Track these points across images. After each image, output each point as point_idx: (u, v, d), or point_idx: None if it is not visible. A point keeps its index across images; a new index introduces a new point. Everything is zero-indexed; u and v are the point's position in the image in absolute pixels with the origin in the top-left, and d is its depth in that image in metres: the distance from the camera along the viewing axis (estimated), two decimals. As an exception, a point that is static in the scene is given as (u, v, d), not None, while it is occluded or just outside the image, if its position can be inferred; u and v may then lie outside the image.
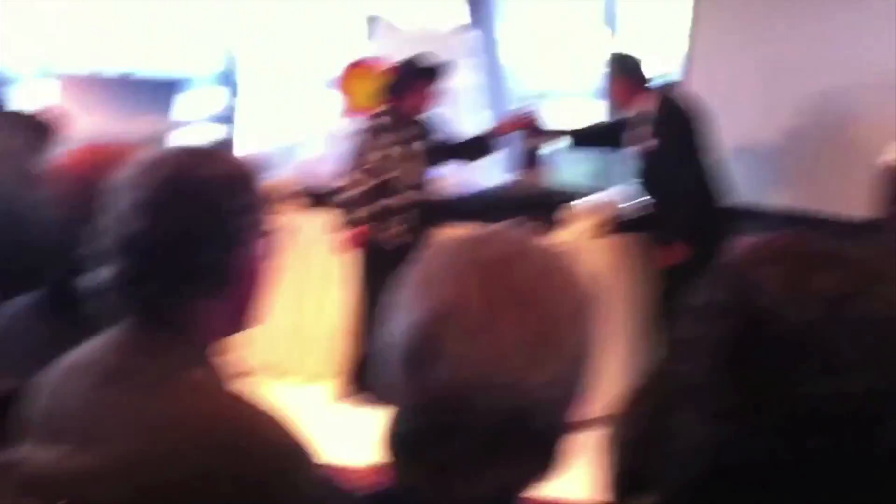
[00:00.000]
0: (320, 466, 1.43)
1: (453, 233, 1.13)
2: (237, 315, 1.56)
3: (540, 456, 1.05)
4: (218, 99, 7.13)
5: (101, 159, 1.82)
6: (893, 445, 0.76)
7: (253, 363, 5.55)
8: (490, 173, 6.09)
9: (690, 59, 5.70)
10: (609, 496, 0.90)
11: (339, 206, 5.22)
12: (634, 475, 0.87)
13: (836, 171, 5.01)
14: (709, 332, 0.81)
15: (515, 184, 5.60)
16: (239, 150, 5.97)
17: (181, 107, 6.49)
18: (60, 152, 1.96)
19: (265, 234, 1.56)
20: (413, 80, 5.11)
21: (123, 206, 1.46)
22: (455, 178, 5.76)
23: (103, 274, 1.46)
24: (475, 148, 5.37)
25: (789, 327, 0.78)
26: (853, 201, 4.66)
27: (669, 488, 0.83)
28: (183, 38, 7.23)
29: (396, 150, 5.10)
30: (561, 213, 5.16)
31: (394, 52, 5.66)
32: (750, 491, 0.79)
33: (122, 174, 1.49)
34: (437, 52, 5.45)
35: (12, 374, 1.70)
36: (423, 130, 5.19)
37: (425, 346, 1.02)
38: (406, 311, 1.05)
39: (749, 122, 5.38)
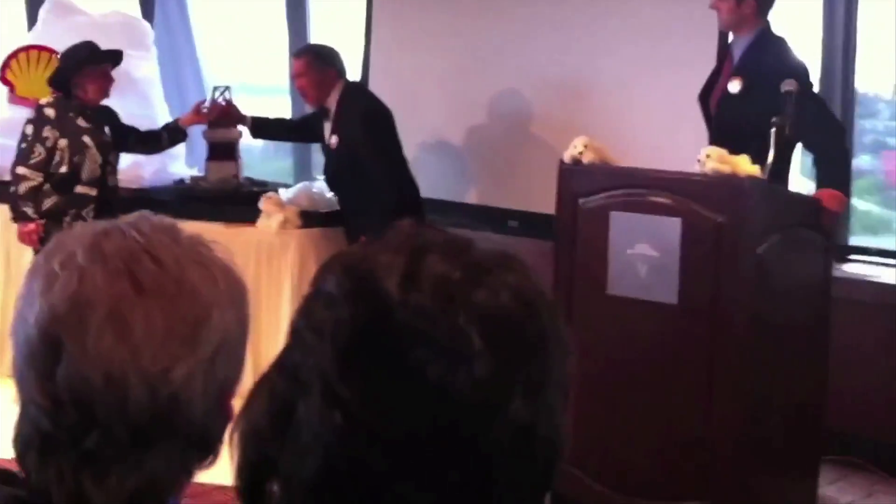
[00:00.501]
0: None
1: (84, 226, 1.04)
2: None
3: (198, 443, 1.03)
4: None
5: None
6: (508, 431, 0.79)
7: None
8: (180, 165, 5.87)
9: (369, 56, 5.71)
10: (237, 483, 0.89)
11: (9, 201, 4.87)
12: (257, 466, 0.86)
13: (522, 167, 5.18)
14: (329, 319, 0.81)
15: (207, 176, 5.40)
16: None
17: None
18: None
19: None
20: (82, 67, 4.80)
21: None
22: (143, 169, 5.50)
23: None
24: (160, 138, 5.15)
25: (404, 313, 0.79)
26: (536, 197, 4.87)
27: (292, 480, 0.83)
28: None
29: (65, 142, 4.80)
30: (254, 206, 5.04)
31: (62, 39, 5.32)
32: (365, 480, 0.80)
33: None
34: (114, 40, 5.18)
35: None
36: (97, 121, 4.90)
37: (47, 345, 0.98)
38: (28, 307, 1.01)
39: (439, 119, 5.47)
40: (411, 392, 0.78)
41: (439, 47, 5.46)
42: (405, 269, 0.81)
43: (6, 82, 5.73)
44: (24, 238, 4.82)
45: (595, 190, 3.65)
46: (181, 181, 5.58)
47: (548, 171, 4.04)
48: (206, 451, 1.04)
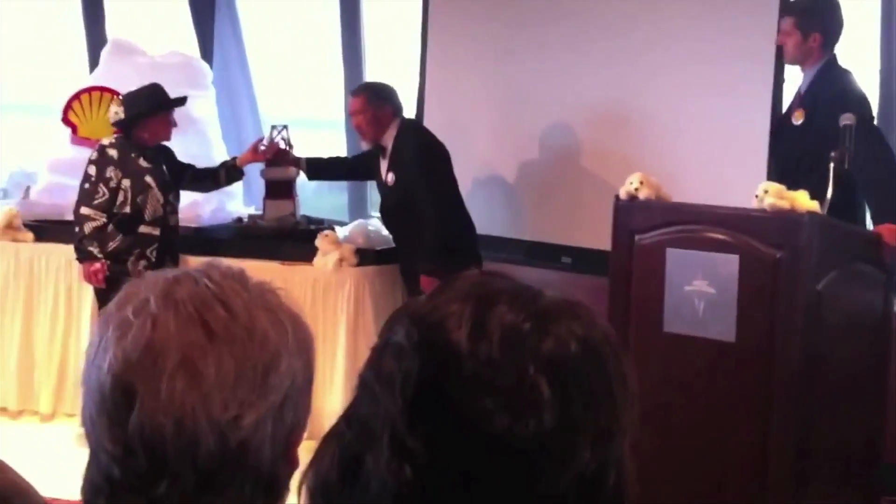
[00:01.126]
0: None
1: (156, 274, 1.06)
2: None
3: (259, 492, 1.02)
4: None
5: None
6: (577, 481, 0.78)
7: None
8: (237, 203, 5.94)
9: (423, 92, 5.75)
10: None
11: (74, 241, 4.96)
12: None
13: (576, 202, 5.18)
14: (397, 370, 0.81)
15: (264, 214, 5.47)
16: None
17: None
18: None
19: None
20: (148, 108, 4.91)
21: None
22: (200, 209, 5.58)
23: None
24: (219, 177, 5.23)
25: (472, 364, 0.78)
26: (591, 232, 4.86)
27: None
28: None
29: (128, 183, 4.89)
30: (310, 244, 5.08)
31: (123, 79, 5.44)
32: None
33: None
34: (173, 81, 5.29)
35: None
36: (157, 160, 4.99)
37: (120, 391, 0.98)
38: (101, 354, 1.01)
39: (490, 155, 5.49)
40: (479, 443, 0.77)
41: (491, 83, 5.49)
42: (473, 319, 0.80)
43: (68, 123, 5.85)
44: (90, 277, 4.90)
45: (651, 226, 3.64)
46: (239, 220, 5.65)
47: (601, 206, 4.03)
48: (272, 499, 1.04)
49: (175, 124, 5.01)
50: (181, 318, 1.00)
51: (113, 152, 4.92)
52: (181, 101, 5.02)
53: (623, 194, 3.73)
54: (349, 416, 0.85)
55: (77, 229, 4.92)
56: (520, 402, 0.77)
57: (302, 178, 5.52)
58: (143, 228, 4.91)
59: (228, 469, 0.99)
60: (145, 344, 0.98)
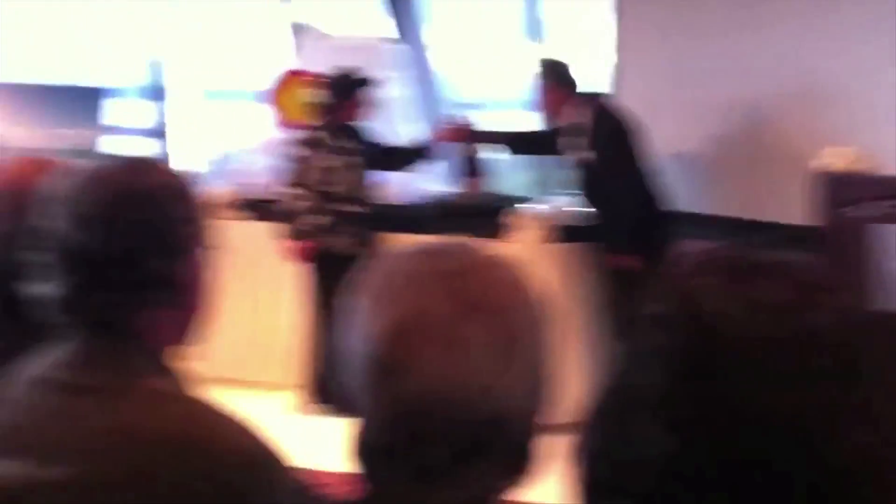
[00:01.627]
0: (292, 472, 1.42)
1: (402, 244, 1.12)
2: (187, 323, 1.54)
3: (513, 461, 1.05)
4: (145, 110, 7.05)
5: (31, 171, 1.80)
6: (844, 458, 0.76)
7: (208, 374, 5.52)
8: (431, 182, 6.09)
9: (619, 70, 5.74)
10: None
11: (281, 218, 5.20)
12: (602, 485, 0.86)
13: (767, 177, 5.09)
14: (660, 343, 0.81)
15: (457, 192, 5.60)
16: (170, 162, 5.89)
17: (108, 116, 6.39)
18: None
19: (207, 242, 1.55)
20: (347, 91, 5.11)
21: (65, 218, 1.43)
22: (396, 187, 5.75)
23: (48, 287, 1.43)
24: (412, 156, 5.39)
25: (736, 338, 0.77)
26: (785, 207, 4.77)
27: (632, 499, 0.82)
28: (109, 48, 7.13)
29: (336, 162, 5.09)
30: (504, 222, 5.15)
31: (322, 63, 5.65)
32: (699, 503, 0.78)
33: (59, 186, 1.46)
34: (365, 63, 5.47)
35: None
36: (360, 141, 5.19)
37: (391, 358, 1.02)
38: (366, 321, 1.04)
39: (680, 131, 5.45)
40: (749, 419, 0.76)
41: (682, 58, 5.43)
42: (735, 293, 0.79)
43: (274, 107, 6.12)
44: (296, 256, 5.12)
45: (854, 200, 3.57)
46: (434, 197, 5.78)
47: (793, 180, 3.96)
48: (522, 469, 1.06)
49: (372, 104, 5.20)
50: (438, 290, 1.03)
51: (316, 134, 5.13)
52: (375, 82, 5.21)
53: (823, 167, 3.67)
54: (614, 388, 0.86)
55: (284, 208, 5.16)
56: (784, 378, 0.76)
57: (492, 154, 5.60)
58: (346, 207, 5.10)
59: (486, 439, 1.01)
60: (405, 314, 1.02)
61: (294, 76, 6.10)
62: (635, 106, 5.09)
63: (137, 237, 1.43)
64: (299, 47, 6.45)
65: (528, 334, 1.05)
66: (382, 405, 1.02)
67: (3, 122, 6.19)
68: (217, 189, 5.83)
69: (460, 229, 5.23)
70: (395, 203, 5.66)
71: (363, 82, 5.16)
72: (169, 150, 7.05)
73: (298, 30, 6.60)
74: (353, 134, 5.20)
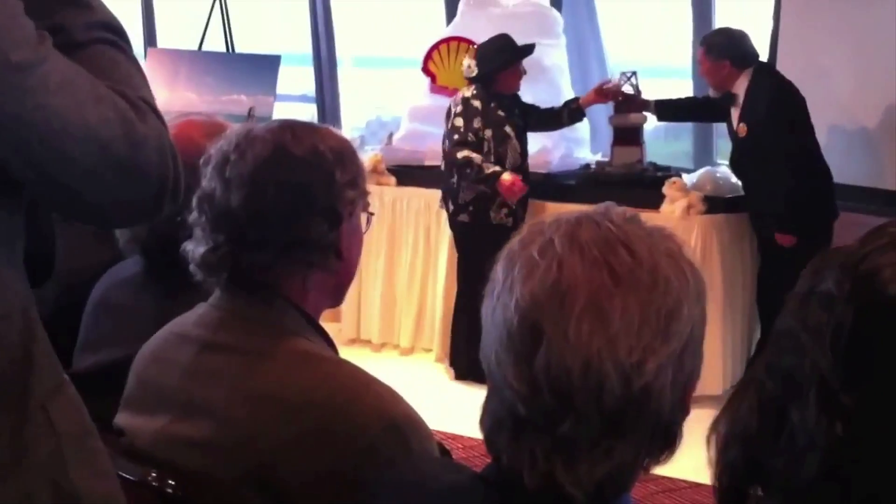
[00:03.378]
0: (432, 438, 1.44)
1: (551, 213, 1.08)
2: (339, 288, 1.58)
3: (661, 439, 1.02)
4: (309, 77, 7.20)
5: (198, 132, 1.84)
6: None
7: (355, 336, 5.68)
8: (585, 150, 6.05)
9: (777, 37, 5.57)
10: (717, 485, 0.87)
11: (439, 185, 5.26)
12: (744, 469, 0.83)
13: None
14: (828, 321, 0.76)
15: (610, 161, 5.54)
16: (332, 127, 5.98)
17: (277, 83, 6.55)
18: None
19: (365, 208, 1.57)
20: (499, 62, 5.09)
21: (229, 178, 1.47)
22: (551, 155, 5.72)
23: (207, 244, 1.48)
24: (560, 117, 5.36)
25: None
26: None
27: (785, 485, 0.79)
28: (276, 16, 7.30)
29: (490, 133, 5.10)
30: (658, 190, 5.09)
31: (480, 29, 5.65)
32: (864, 487, 0.75)
33: (223, 147, 1.50)
34: (523, 30, 5.44)
35: (120, 344, 1.74)
36: (511, 108, 5.18)
37: (528, 330, 0.99)
38: (507, 293, 1.02)
39: (842, 102, 5.25)
40: None
41: (849, 24, 5.21)
42: None
43: (428, 73, 6.15)
44: (510, 191, 5.03)
45: None
46: (587, 166, 5.73)
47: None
48: (667, 445, 1.03)
49: (524, 72, 5.17)
50: (587, 260, 1.00)
51: (476, 103, 5.11)
52: (529, 49, 5.16)
53: None
54: (771, 366, 0.83)
55: (463, 171, 5.07)
56: None
57: (649, 124, 5.53)
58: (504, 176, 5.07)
59: (632, 413, 0.98)
60: (552, 284, 0.99)
61: (449, 42, 6.12)
62: (799, 73, 4.92)
63: (289, 199, 1.45)
64: (457, 13, 6.45)
65: (678, 310, 1.00)
66: (518, 379, 1.00)
67: (181, 89, 6.42)
68: (374, 153, 5.92)
69: (613, 198, 5.16)
70: (546, 171, 5.64)
71: (515, 51, 5.12)
72: (329, 114, 7.18)
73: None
74: (508, 103, 5.18)
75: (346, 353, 1.53)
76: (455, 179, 5.15)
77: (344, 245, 1.52)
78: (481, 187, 5.07)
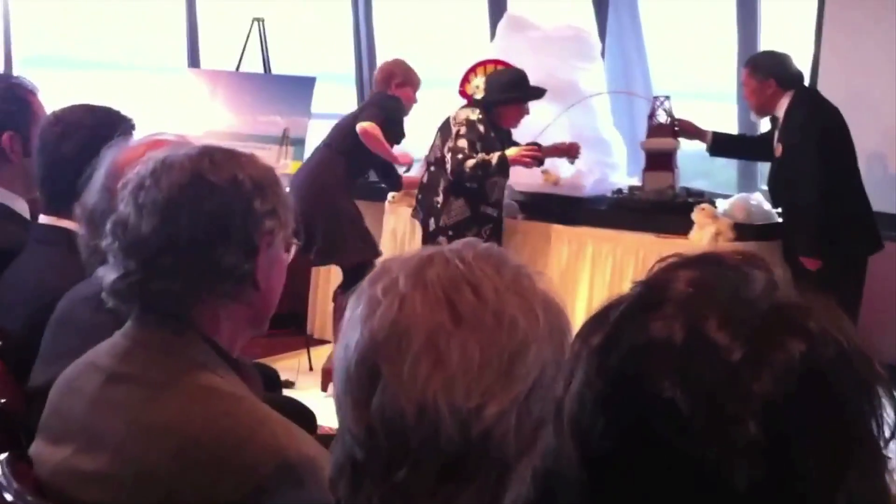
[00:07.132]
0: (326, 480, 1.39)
1: (571, 236, 1.02)
2: (257, 318, 1.54)
3: (504, 487, 0.93)
4: (350, 97, 7.21)
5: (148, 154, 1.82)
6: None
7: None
8: (621, 175, 5.96)
9: (818, 59, 5.44)
10: None
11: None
12: None
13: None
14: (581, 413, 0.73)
15: (642, 186, 5.45)
16: (256, 155, 5.92)
17: (311, 104, 6.57)
18: (124, 145, 1.98)
19: (286, 239, 1.53)
20: (502, 98, 5.05)
21: (142, 204, 1.45)
22: (585, 179, 5.65)
23: (118, 270, 1.46)
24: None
25: (672, 409, 0.67)
26: None
27: None
28: (315, 38, 7.33)
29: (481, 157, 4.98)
30: (688, 216, 4.99)
31: (516, 53, 5.59)
32: None
33: (141, 171, 1.48)
34: (558, 53, 5.38)
35: (67, 360, 1.71)
36: (507, 145, 5.11)
37: (365, 371, 0.96)
38: (349, 332, 0.99)
39: (884, 128, 5.10)
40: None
41: (893, 47, 5.08)
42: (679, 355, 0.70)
43: (464, 95, 6.12)
44: (524, 160, 5.03)
45: None
46: (619, 191, 5.66)
47: None
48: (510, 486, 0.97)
49: (528, 112, 5.10)
50: (429, 299, 0.96)
51: (481, 128, 5.02)
52: (539, 94, 5.09)
53: None
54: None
55: (476, 174, 4.94)
56: (726, 452, 0.66)
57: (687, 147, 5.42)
58: (484, 208, 5.00)
59: (471, 460, 0.94)
60: (391, 323, 0.95)
61: (486, 64, 6.07)
62: (842, 96, 4.79)
63: (202, 228, 1.42)
64: (499, 36, 6.41)
65: (533, 351, 0.96)
66: (357, 417, 0.96)
67: (220, 108, 6.47)
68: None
69: (643, 224, 5.10)
70: (579, 195, 5.56)
71: (524, 91, 5.07)
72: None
73: (498, 16, 6.56)
74: (503, 137, 5.11)
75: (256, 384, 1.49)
76: (440, 199, 5.04)
77: (261, 275, 1.48)
78: (465, 213, 4.99)
